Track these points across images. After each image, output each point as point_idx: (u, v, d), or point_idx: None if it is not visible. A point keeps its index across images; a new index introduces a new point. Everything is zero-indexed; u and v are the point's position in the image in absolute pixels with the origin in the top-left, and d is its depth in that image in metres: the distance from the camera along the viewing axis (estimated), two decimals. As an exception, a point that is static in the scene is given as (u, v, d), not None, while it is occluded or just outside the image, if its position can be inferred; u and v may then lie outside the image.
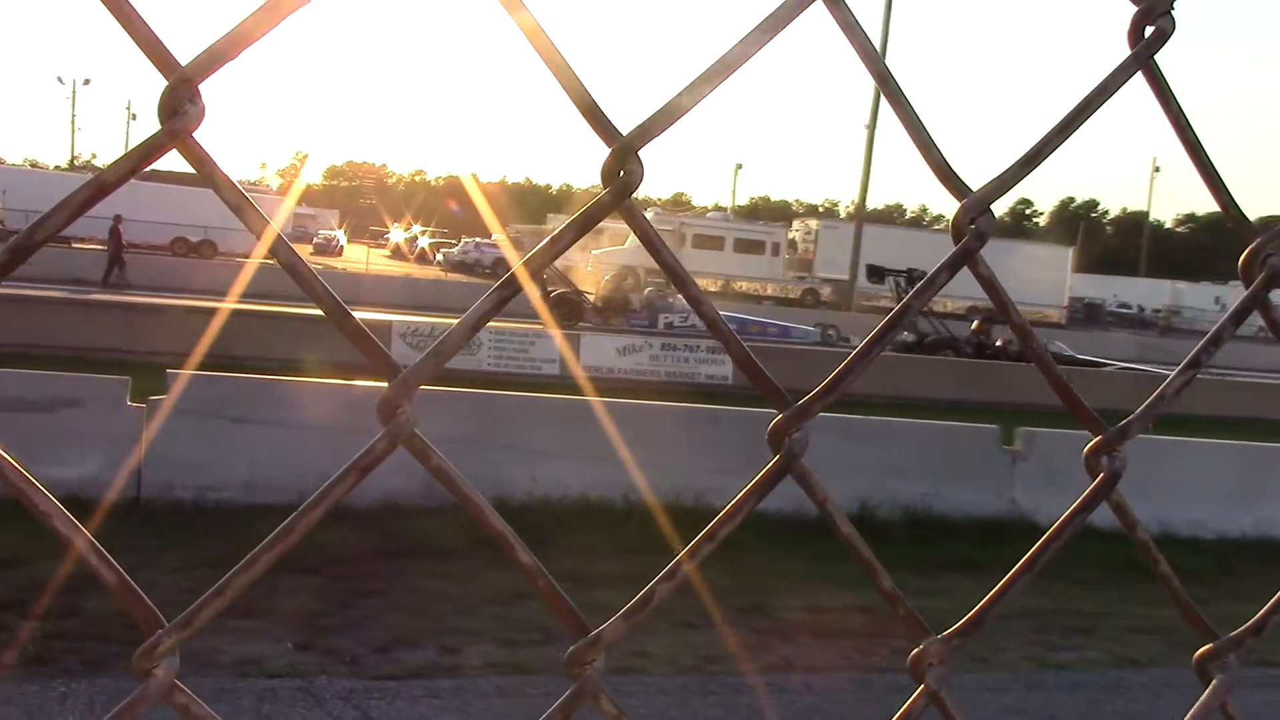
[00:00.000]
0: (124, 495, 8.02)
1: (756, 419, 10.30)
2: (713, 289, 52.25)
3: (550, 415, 9.79)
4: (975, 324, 26.27)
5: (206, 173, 0.64)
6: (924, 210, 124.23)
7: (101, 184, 0.61)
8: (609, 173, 0.73)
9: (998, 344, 24.86)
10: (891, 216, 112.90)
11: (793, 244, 57.14)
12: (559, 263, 29.07)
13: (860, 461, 9.36)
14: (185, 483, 8.19)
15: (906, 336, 24.17)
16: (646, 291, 29.45)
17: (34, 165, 73.42)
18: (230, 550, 5.27)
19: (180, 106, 0.62)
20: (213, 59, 0.62)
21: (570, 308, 26.72)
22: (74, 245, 41.93)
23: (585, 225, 0.73)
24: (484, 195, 67.76)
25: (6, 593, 6.26)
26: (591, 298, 28.65)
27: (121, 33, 0.61)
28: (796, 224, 61.31)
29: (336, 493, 0.71)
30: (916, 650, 0.88)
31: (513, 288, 0.73)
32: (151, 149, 0.63)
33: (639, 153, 0.73)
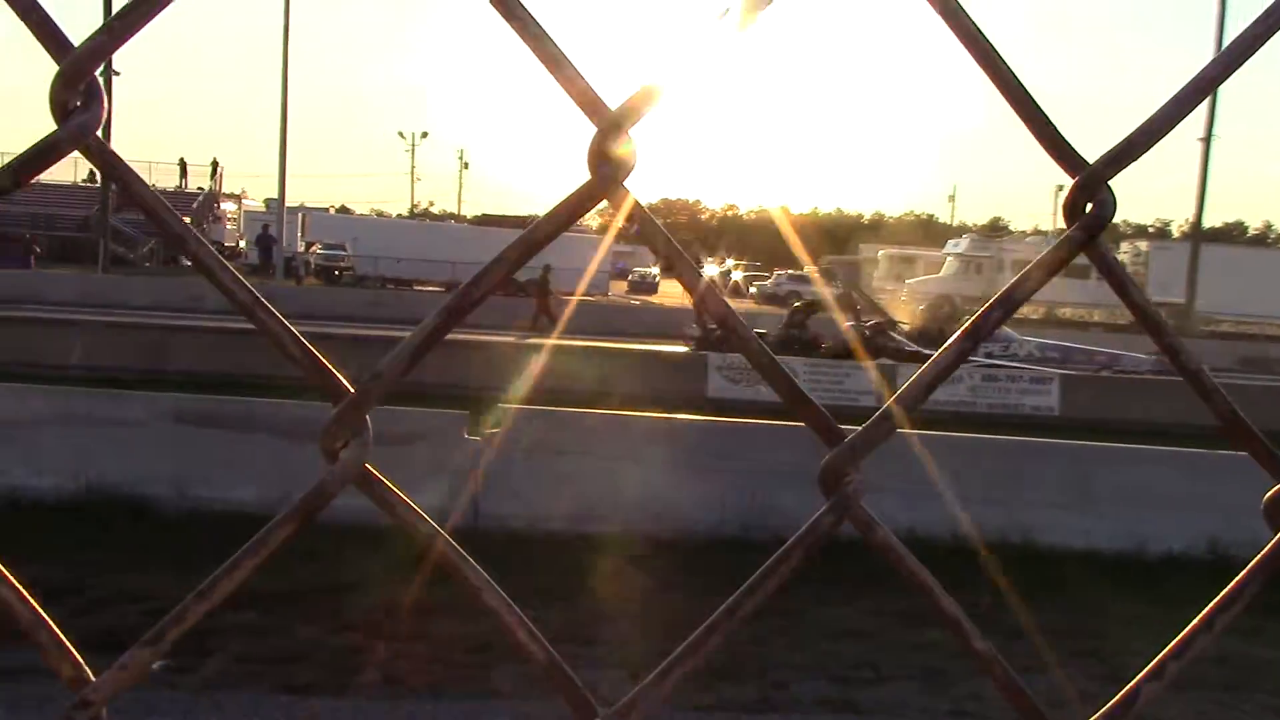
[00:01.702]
0: (463, 523, 8.51)
1: (1089, 454, 9.78)
2: (1034, 316, 50.15)
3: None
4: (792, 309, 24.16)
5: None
6: (1269, 227, 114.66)
7: (532, 241, 0.64)
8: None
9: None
10: (1231, 235, 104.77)
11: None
12: (874, 293, 28.72)
13: (1207, 499, 8.68)
14: (518, 513, 8.59)
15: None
16: (964, 320, 28.54)
17: (379, 214, 79.48)
18: (555, 580, 5.47)
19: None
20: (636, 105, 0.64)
21: (885, 339, 26.21)
22: (414, 288, 45.13)
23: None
24: (794, 227, 67.91)
25: (359, 614, 6.75)
26: (906, 327, 28.06)
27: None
28: (1125, 246, 57.97)
29: (781, 571, 0.70)
30: None
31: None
32: (584, 200, 0.65)
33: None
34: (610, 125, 0.64)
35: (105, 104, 0.64)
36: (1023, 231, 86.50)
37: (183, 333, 18.81)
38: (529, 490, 8.71)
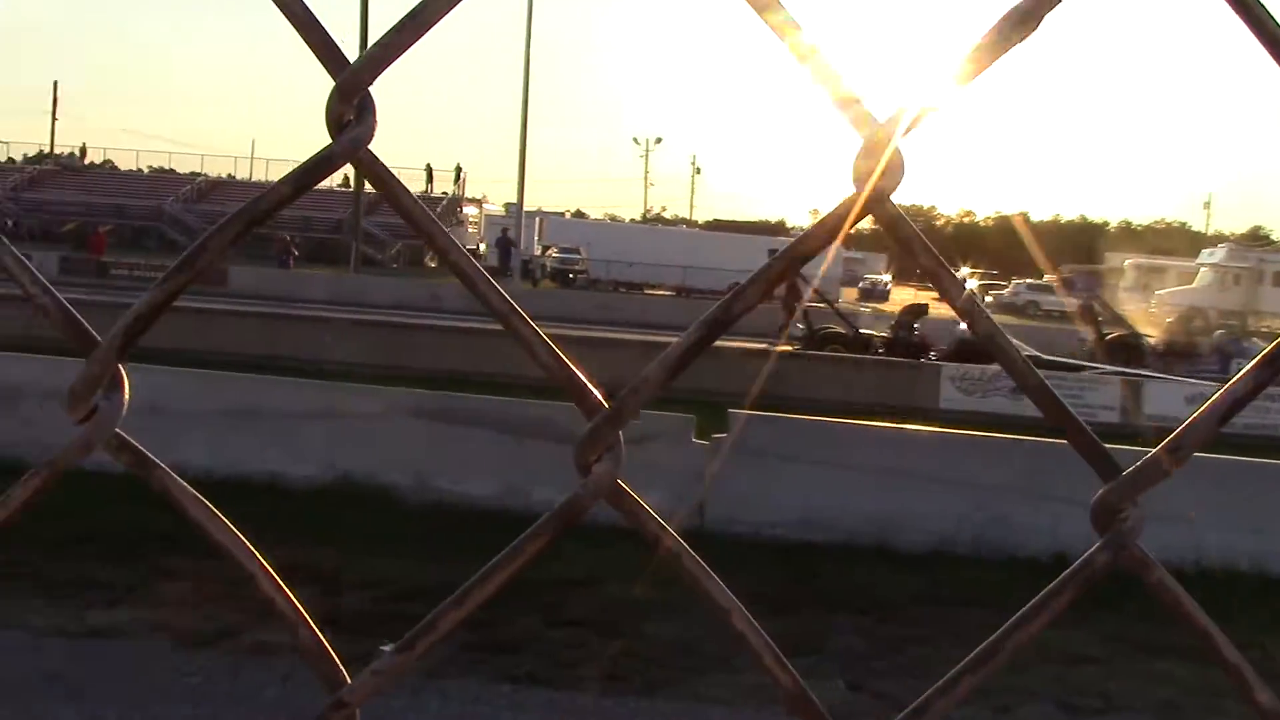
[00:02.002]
0: (689, 525, 8.56)
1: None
2: (1297, 331, 46.85)
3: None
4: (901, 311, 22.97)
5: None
6: None
7: (796, 255, 0.62)
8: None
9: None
10: None
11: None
12: (1118, 304, 27.41)
13: None
14: (744, 518, 8.58)
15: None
16: (1217, 334, 26.94)
17: (613, 219, 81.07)
18: (778, 587, 5.41)
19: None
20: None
21: (1130, 352, 25.00)
22: (645, 291, 45.83)
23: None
24: (1035, 235, 65.48)
25: (583, 611, 6.87)
26: (1153, 341, 26.64)
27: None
28: None
29: (1053, 606, 0.66)
30: None
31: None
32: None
33: None
34: (872, 141, 0.61)
35: (376, 118, 0.66)
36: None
37: (423, 331, 19.65)
38: (755, 496, 8.69)
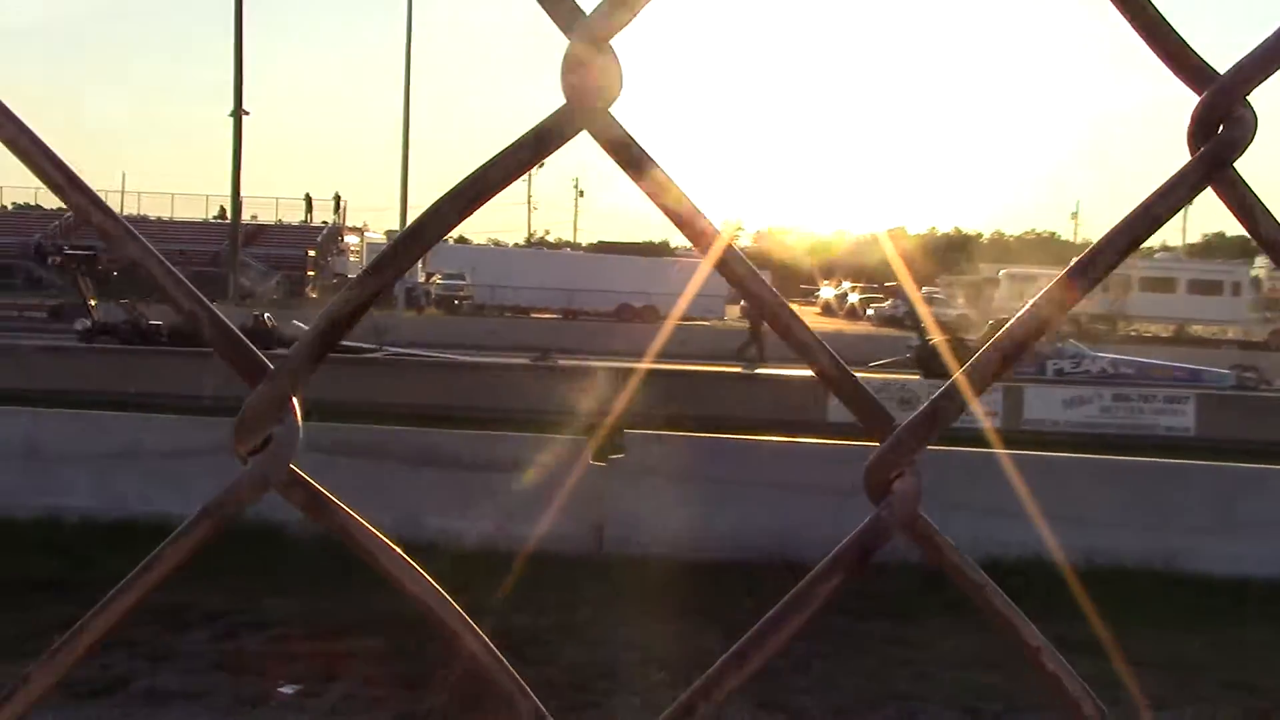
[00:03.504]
0: (586, 549, 8.51)
1: (1231, 474, 9.40)
2: (1164, 334, 48.67)
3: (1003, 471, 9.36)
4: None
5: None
6: None
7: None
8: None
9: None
10: None
11: (1257, 282, 52.19)
12: (942, 312, 28.59)
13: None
14: (642, 539, 8.55)
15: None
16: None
17: (496, 244, 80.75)
18: (682, 606, 5.36)
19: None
20: None
21: (937, 356, 26.25)
22: (532, 315, 45.70)
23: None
24: (903, 249, 66.89)
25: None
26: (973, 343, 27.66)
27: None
28: (1261, 260, 55.93)
29: (823, 589, 0.62)
30: None
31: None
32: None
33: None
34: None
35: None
36: (1151, 248, 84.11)
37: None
38: (655, 516, 8.66)
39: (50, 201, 66.16)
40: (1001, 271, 58.87)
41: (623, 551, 8.48)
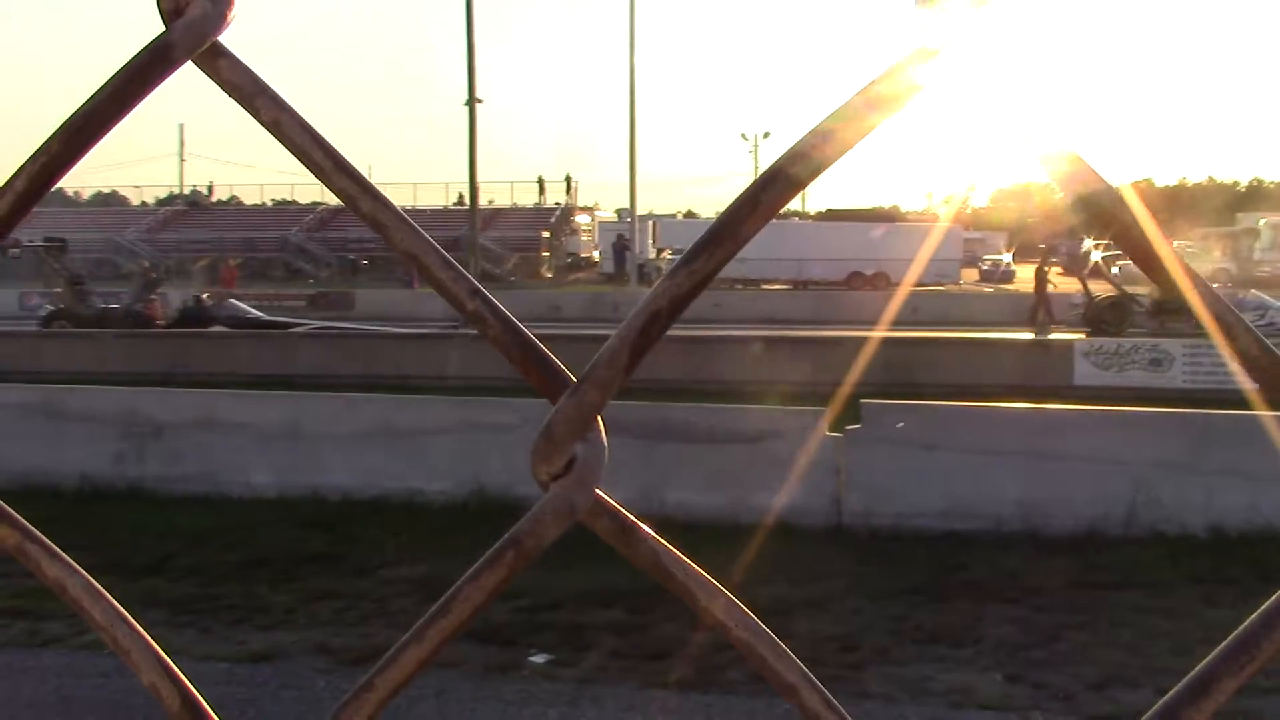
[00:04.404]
0: (826, 521, 8.42)
1: None
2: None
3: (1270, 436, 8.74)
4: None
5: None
6: None
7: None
8: None
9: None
10: None
11: None
12: (1116, 267, 27.21)
13: None
14: (883, 510, 8.40)
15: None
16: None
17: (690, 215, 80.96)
18: (926, 578, 5.28)
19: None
20: None
21: (1120, 312, 24.78)
22: (762, 287, 45.58)
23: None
24: (1160, 201, 63.12)
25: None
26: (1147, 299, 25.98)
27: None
28: None
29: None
30: None
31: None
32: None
33: None
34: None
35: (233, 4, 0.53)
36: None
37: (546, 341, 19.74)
38: (895, 487, 8.50)
39: (305, 197, 70.29)
40: (1262, 221, 54.85)
41: (863, 523, 8.35)
